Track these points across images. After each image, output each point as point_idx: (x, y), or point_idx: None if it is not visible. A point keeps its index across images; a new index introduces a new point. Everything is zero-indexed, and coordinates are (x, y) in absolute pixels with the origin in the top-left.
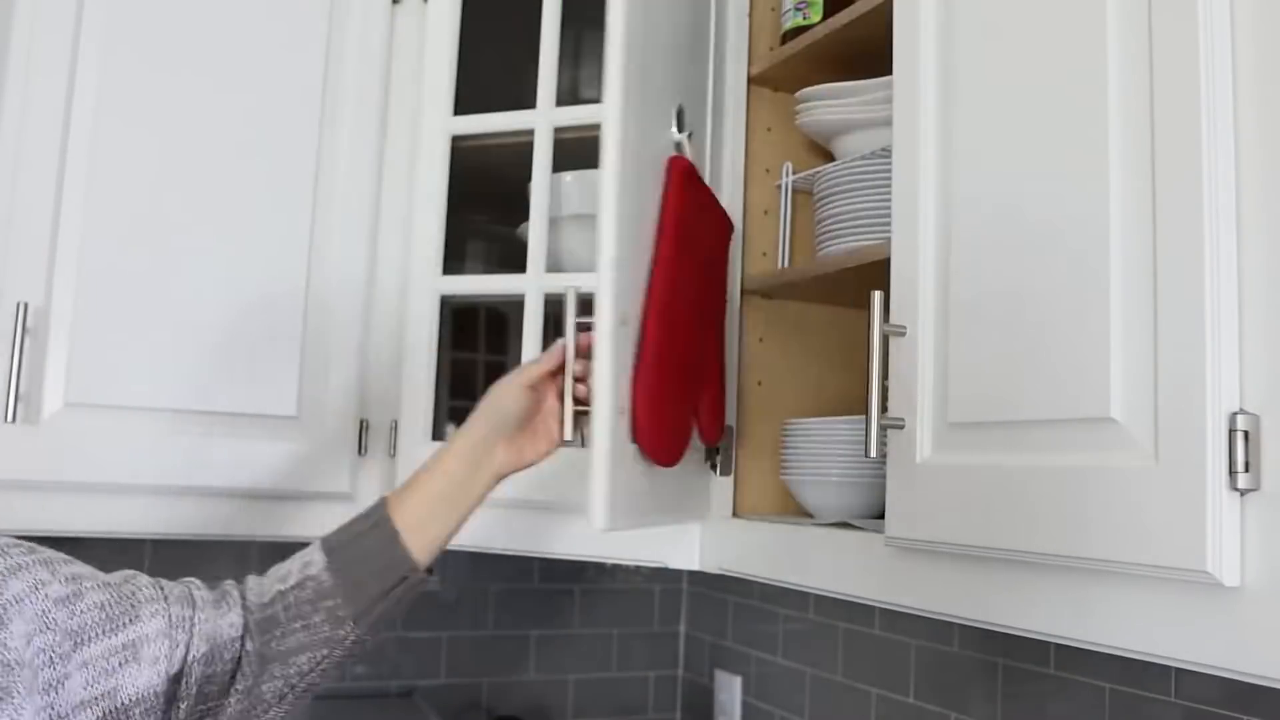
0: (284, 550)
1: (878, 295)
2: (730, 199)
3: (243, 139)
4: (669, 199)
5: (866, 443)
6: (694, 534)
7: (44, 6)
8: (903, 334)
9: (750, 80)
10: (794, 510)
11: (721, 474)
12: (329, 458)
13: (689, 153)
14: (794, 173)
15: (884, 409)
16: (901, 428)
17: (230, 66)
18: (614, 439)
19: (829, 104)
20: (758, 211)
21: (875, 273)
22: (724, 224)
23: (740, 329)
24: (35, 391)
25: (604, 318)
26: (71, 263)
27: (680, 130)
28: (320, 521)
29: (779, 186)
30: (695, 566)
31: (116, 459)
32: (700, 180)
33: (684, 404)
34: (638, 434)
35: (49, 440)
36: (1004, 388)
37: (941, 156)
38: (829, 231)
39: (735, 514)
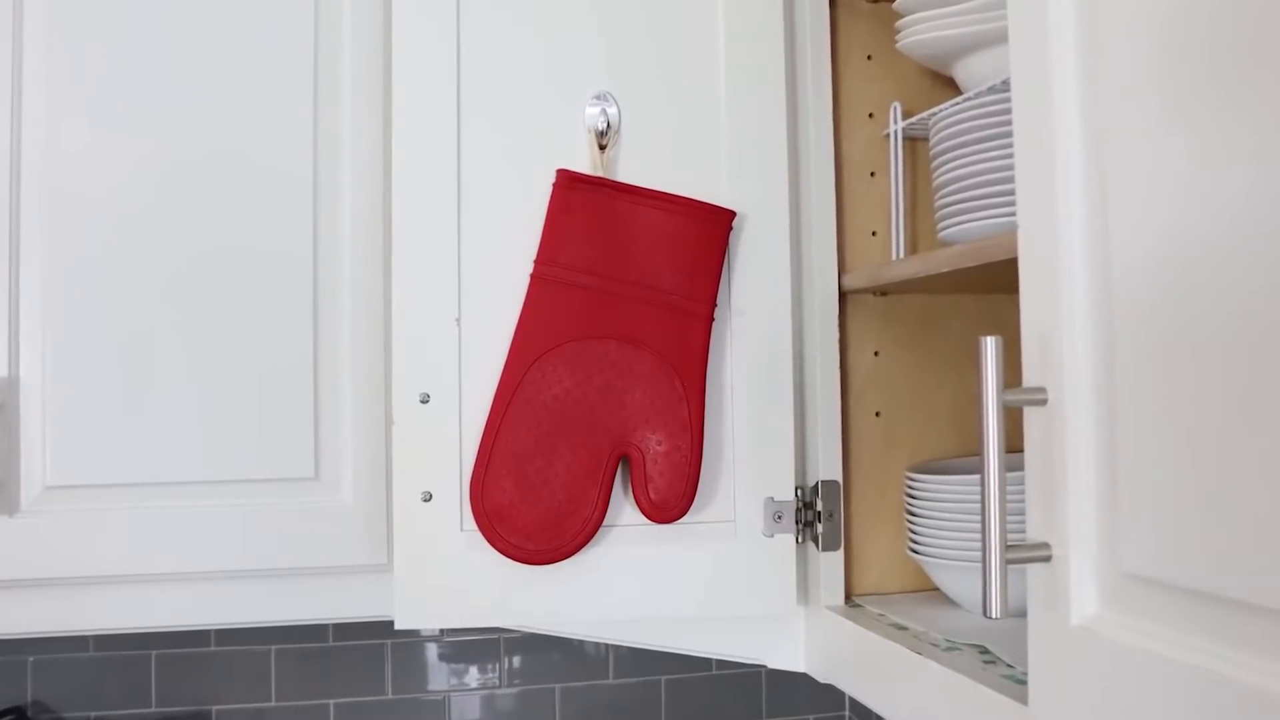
0: (307, 658)
1: (990, 342)
2: (816, 160)
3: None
4: (547, 219)
5: (986, 593)
6: (797, 625)
7: None
8: (1042, 402)
9: None
10: (932, 586)
11: (825, 549)
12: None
13: (611, 148)
14: (908, 115)
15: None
16: (1047, 560)
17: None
18: (410, 523)
19: (938, 15)
20: (859, 173)
21: (1013, 271)
22: (684, 224)
23: (842, 344)
24: (10, 477)
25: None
26: (36, 324)
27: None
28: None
29: (888, 136)
30: (800, 668)
31: (111, 545)
32: (611, 186)
33: (559, 480)
34: (475, 516)
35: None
36: (1236, 525)
37: (1089, 83)
38: (951, 203)
39: (850, 598)
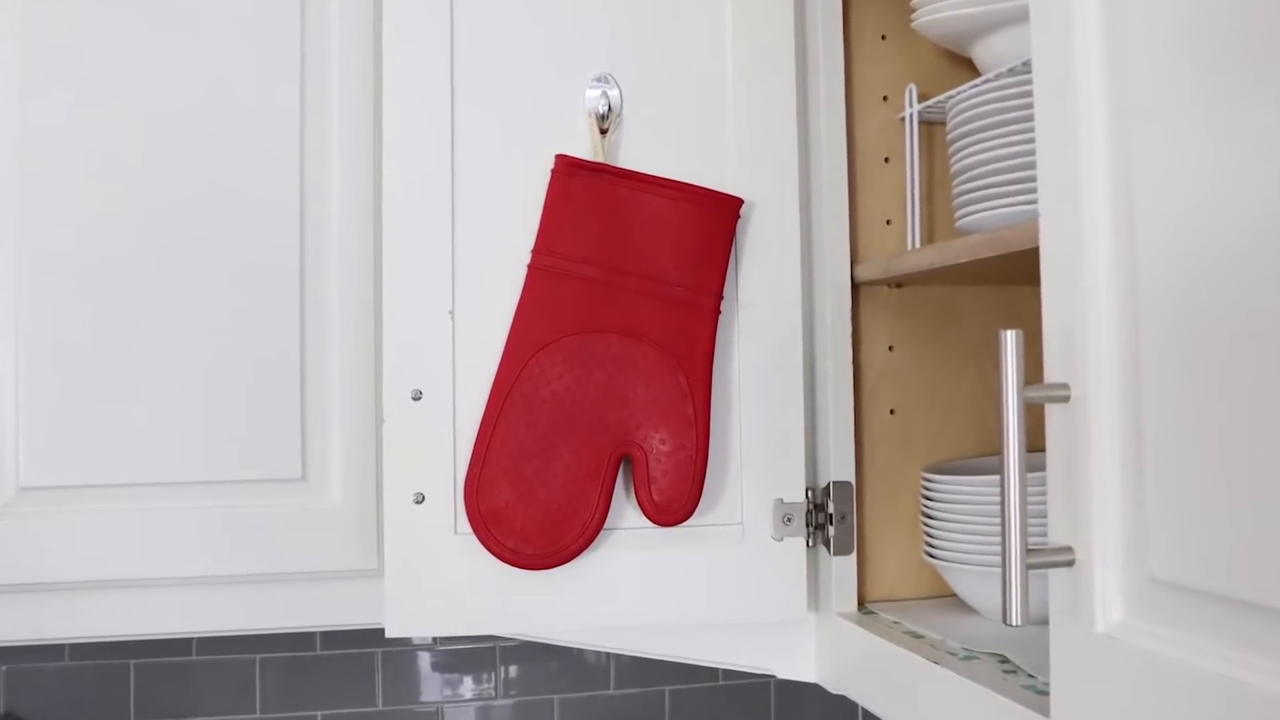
0: (294, 667)
1: (1010, 336)
2: (827, 145)
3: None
4: (545, 207)
5: (1005, 600)
6: (808, 633)
7: None
8: (1065, 399)
9: None
10: (949, 592)
11: (837, 553)
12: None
13: (612, 132)
14: (924, 98)
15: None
16: (1070, 564)
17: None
18: (402, 526)
19: None
20: (872, 159)
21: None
22: (689, 212)
23: (855, 338)
24: None
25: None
26: (9, 316)
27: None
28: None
29: (903, 119)
30: (811, 678)
31: (89, 549)
32: (613, 172)
33: (558, 481)
34: (470, 519)
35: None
36: (1269, 528)
37: (1113, 64)
38: (969, 190)
39: (863, 604)
